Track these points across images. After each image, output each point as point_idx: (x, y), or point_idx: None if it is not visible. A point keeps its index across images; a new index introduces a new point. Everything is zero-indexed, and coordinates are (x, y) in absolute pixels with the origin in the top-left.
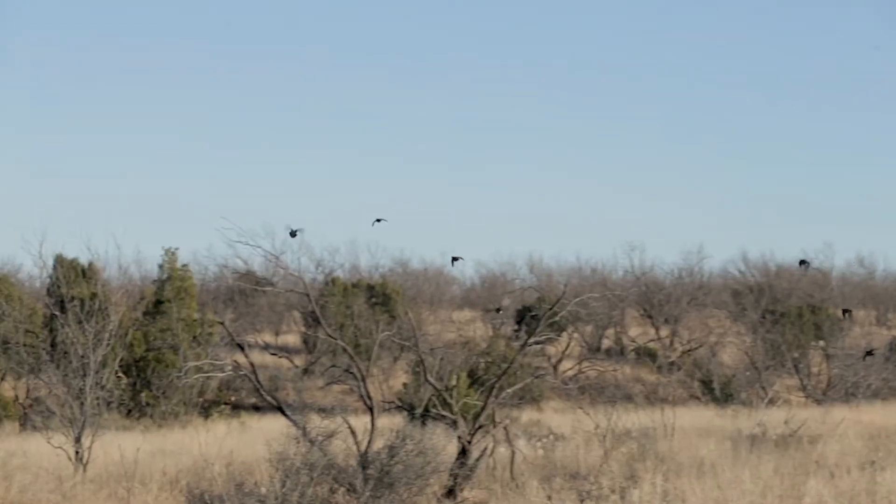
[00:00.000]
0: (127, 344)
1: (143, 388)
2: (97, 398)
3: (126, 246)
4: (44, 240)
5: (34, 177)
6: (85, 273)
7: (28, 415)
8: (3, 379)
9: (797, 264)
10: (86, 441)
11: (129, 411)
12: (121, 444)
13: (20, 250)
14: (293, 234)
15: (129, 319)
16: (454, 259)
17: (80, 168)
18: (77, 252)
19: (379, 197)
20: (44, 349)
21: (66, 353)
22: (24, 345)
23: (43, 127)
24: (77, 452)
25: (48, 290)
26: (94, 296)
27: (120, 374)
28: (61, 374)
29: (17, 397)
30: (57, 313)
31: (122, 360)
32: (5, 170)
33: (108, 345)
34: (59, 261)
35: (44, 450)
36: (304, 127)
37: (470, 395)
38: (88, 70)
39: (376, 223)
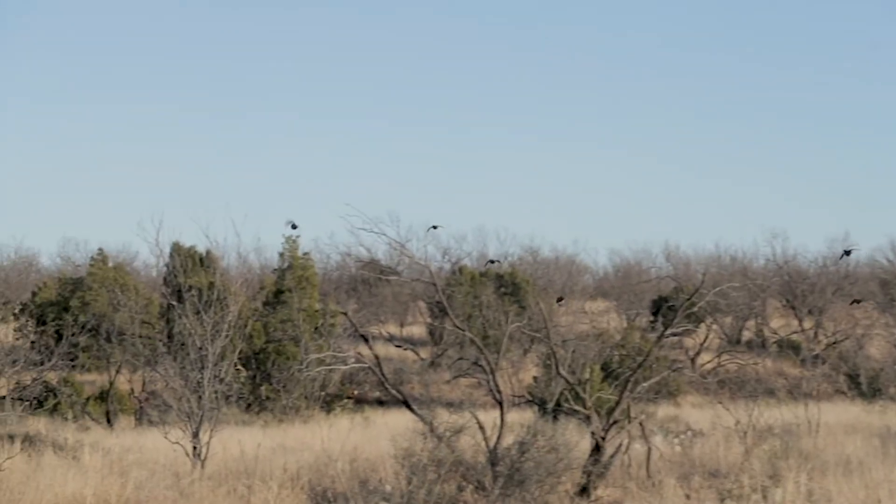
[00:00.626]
0: (246, 335)
1: (262, 381)
2: (215, 392)
3: (245, 233)
4: (161, 227)
5: (152, 162)
6: (203, 261)
7: (144, 409)
8: (118, 372)
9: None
10: (204, 436)
11: (249, 405)
12: (240, 440)
13: (136, 237)
14: (294, 226)
15: (249, 310)
16: (433, 227)
17: (197, 153)
18: (195, 240)
19: (507, 181)
20: (160, 341)
21: (183, 344)
22: (140, 336)
23: (161, 114)
24: (195, 448)
25: (165, 279)
26: (212, 285)
27: (239, 367)
28: (178, 367)
29: (132, 391)
30: (174, 303)
31: (241, 352)
32: (123, 155)
33: (226, 336)
34: (177, 249)
35: (160, 445)
36: (427, 114)
37: (604, 389)
38: (210, 58)
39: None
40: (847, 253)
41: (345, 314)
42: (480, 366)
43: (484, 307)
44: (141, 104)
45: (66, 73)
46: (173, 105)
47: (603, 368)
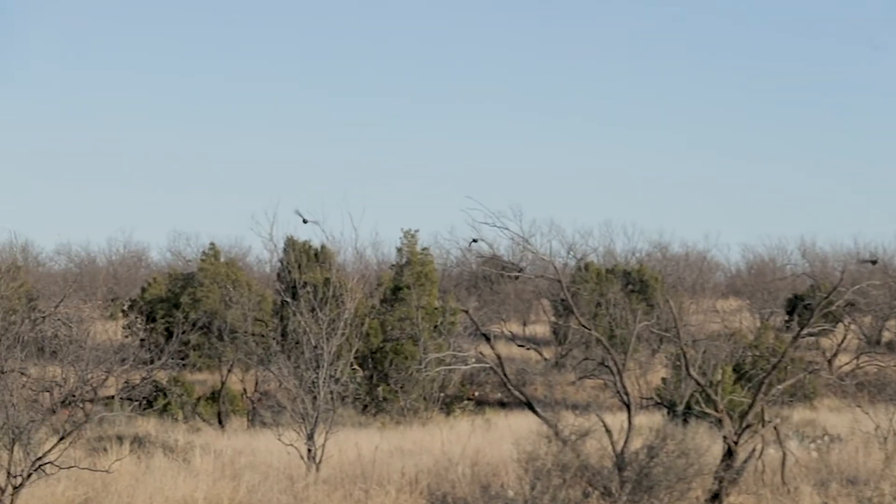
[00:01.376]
0: (363, 334)
1: (380, 381)
2: (331, 392)
3: (362, 228)
4: (275, 220)
5: (266, 154)
6: (318, 257)
7: (257, 409)
8: (230, 371)
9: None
10: (319, 438)
11: (365, 406)
12: (357, 442)
13: (249, 232)
14: (305, 220)
15: (366, 307)
16: (474, 241)
17: (314, 145)
18: (309, 234)
19: (635, 173)
20: (274, 339)
21: (297, 343)
22: (253, 334)
23: (275, 106)
24: (309, 450)
25: (279, 275)
26: (327, 281)
27: (355, 367)
28: (292, 366)
29: (245, 391)
30: (288, 300)
31: (357, 351)
32: (238, 147)
33: (342, 334)
34: (291, 244)
35: (273, 447)
36: (554, 105)
37: (736, 391)
38: (325, 46)
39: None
40: (873, 262)
41: (465, 312)
42: (607, 366)
43: (610, 305)
44: (255, 96)
45: (177, 69)
46: (287, 97)
47: (735, 370)
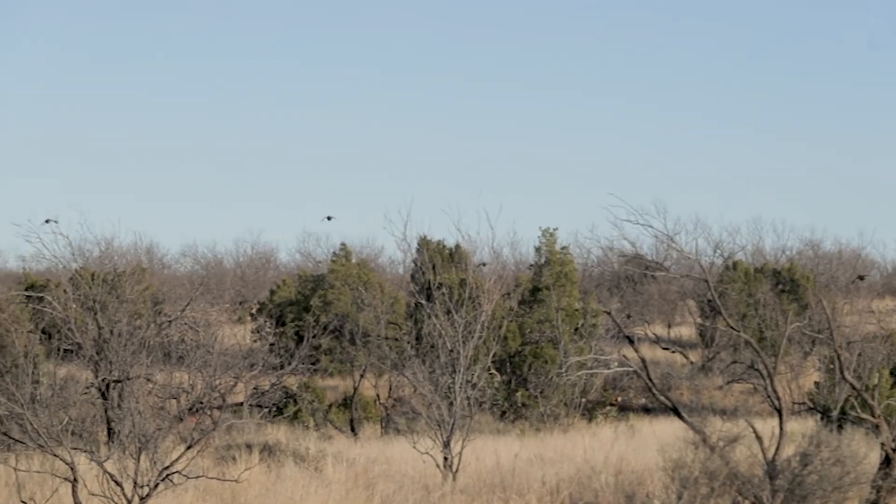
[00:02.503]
0: (500, 337)
1: (518, 386)
2: (468, 398)
3: (499, 226)
4: (408, 219)
5: (398, 152)
6: (453, 257)
7: (390, 416)
8: (362, 376)
9: None
10: (455, 446)
11: (504, 413)
12: (496, 450)
13: (382, 231)
14: (329, 218)
15: (503, 309)
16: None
17: (447, 141)
18: (444, 233)
19: (784, 171)
20: (408, 342)
21: (432, 346)
22: (387, 338)
23: (410, 100)
24: (446, 459)
25: (412, 276)
26: (463, 282)
27: (493, 371)
28: (427, 371)
29: (378, 397)
30: (422, 302)
31: (495, 354)
32: (369, 145)
33: (479, 338)
34: (424, 243)
35: (408, 455)
36: (696, 101)
37: (894, 395)
38: (462, 44)
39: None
40: (861, 278)
41: (608, 313)
42: (756, 370)
43: (760, 305)
44: (389, 91)
45: (300, 59)
46: (423, 92)
47: (892, 373)
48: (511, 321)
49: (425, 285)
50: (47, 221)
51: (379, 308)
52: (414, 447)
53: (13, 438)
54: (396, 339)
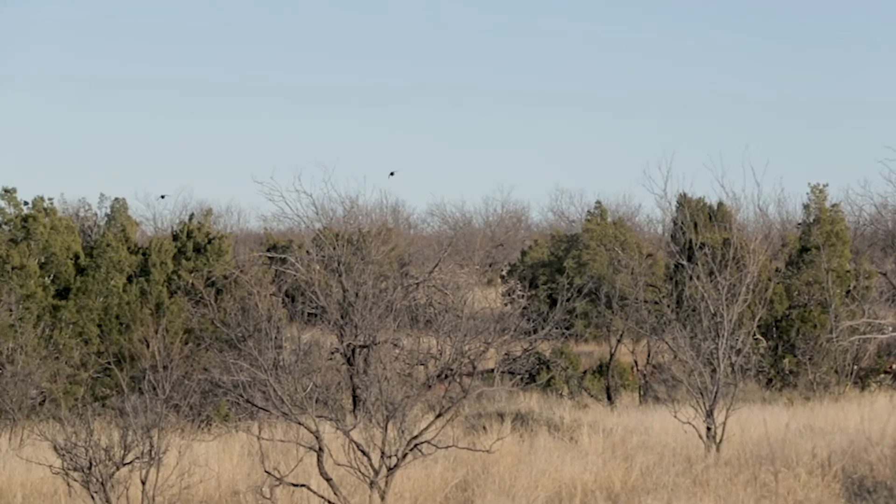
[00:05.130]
0: (766, 300)
1: (785, 352)
2: (731, 364)
3: (766, 182)
4: (669, 175)
5: (659, 102)
6: (714, 215)
7: (649, 383)
8: (619, 342)
9: None
10: (719, 415)
11: (770, 380)
12: (764, 419)
13: (640, 188)
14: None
15: (769, 271)
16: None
17: (708, 91)
18: (705, 190)
19: None
20: (668, 306)
21: (694, 310)
22: (645, 301)
23: (666, 52)
24: (708, 429)
25: (672, 235)
26: (726, 242)
27: (758, 336)
28: (688, 336)
29: (635, 363)
30: (683, 263)
31: (760, 319)
32: (631, 96)
33: (744, 301)
34: (684, 201)
35: (668, 425)
36: None
37: None
38: None
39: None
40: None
41: (883, 275)
42: None
43: None
44: (643, 44)
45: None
46: (684, 45)
47: None
48: (777, 283)
49: (686, 245)
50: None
51: (636, 269)
52: (674, 416)
53: (256, 406)
54: (655, 303)
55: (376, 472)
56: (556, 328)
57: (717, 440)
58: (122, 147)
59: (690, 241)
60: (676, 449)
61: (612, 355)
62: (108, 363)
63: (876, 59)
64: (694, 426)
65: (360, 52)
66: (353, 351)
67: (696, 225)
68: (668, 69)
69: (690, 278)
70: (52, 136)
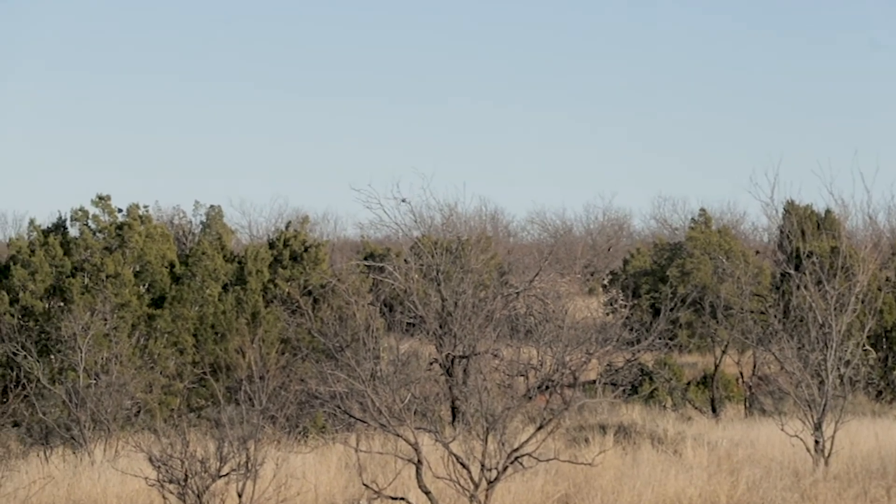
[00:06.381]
0: (876, 310)
1: (895, 364)
2: (840, 376)
3: (875, 189)
4: (776, 182)
5: (766, 109)
6: (822, 223)
7: (755, 395)
8: (724, 352)
9: None
10: (827, 429)
11: (880, 392)
12: (877, 433)
13: (745, 195)
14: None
15: (879, 280)
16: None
17: (812, 95)
18: (814, 197)
19: None
20: (774, 316)
21: (801, 320)
22: (751, 311)
23: (771, 59)
24: (817, 442)
25: (779, 244)
26: (835, 251)
27: (867, 347)
28: (795, 347)
29: (741, 375)
30: (790, 272)
31: (869, 329)
32: (737, 100)
33: (853, 311)
34: (791, 208)
35: (775, 438)
36: None
37: None
38: None
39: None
40: None
41: None
42: None
43: None
44: (748, 51)
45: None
46: (783, 54)
47: None
48: (888, 293)
49: (793, 254)
50: (403, 201)
51: (742, 278)
52: (781, 429)
53: (354, 417)
54: (762, 312)
55: (476, 486)
56: (660, 338)
57: (826, 454)
58: (216, 154)
59: (798, 250)
60: (783, 463)
61: (716, 366)
62: (204, 373)
63: None
64: (801, 439)
65: (460, 53)
66: (452, 361)
67: (803, 233)
68: (776, 72)
69: (798, 288)
70: (145, 141)
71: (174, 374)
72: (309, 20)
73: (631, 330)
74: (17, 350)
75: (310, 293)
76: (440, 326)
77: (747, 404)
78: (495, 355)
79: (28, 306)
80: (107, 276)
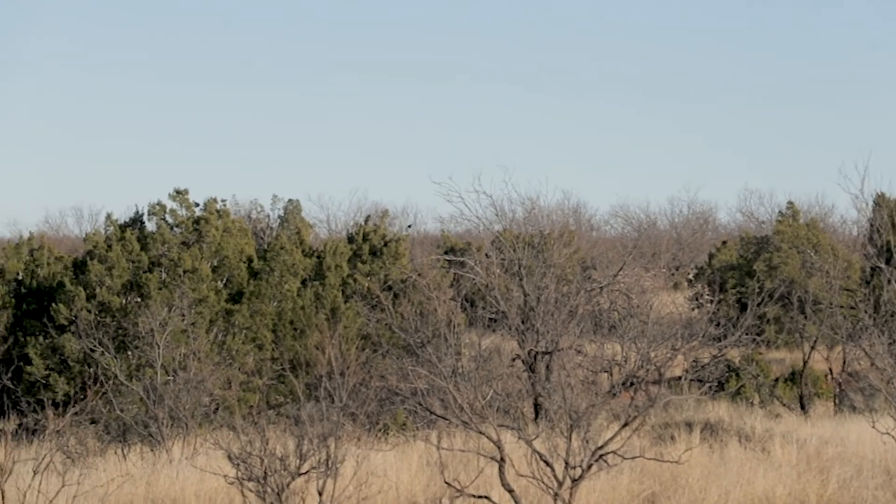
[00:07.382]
0: None
1: None
2: None
3: None
4: (866, 175)
5: (854, 100)
6: None
7: (844, 392)
8: (813, 348)
9: None
10: None
11: None
12: None
13: (834, 187)
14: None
15: None
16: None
17: None
18: None
19: None
20: (864, 311)
21: (892, 315)
22: (840, 306)
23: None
24: None
25: (869, 237)
26: None
27: None
28: (887, 342)
29: (830, 371)
30: (880, 266)
31: None
32: (825, 93)
33: None
34: (882, 201)
35: (865, 436)
36: None
37: None
38: None
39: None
40: None
41: None
42: None
43: None
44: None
45: None
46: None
47: None
48: None
49: (884, 247)
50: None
51: (831, 273)
52: (872, 427)
53: (435, 414)
54: (851, 307)
55: (560, 484)
56: (747, 334)
57: None
58: (295, 148)
59: (888, 243)
60: (875, 461)
61: (805, 362)
62: (283, 370)
63: None
64: (893, 437)
65: (547, 45)
66: (535, 357)
67: (894, 226)
68: (866, 64)
69: (889, 282)
70: (224, 135)
71: (253, 371)
72: (392, 7)
73: (717, 325)
74: (95, 346)
75: (390, 288)
76: (522, 322)
77: (836, 401)
78: (578, 351)
79: (105, 302)
80: (184, 272)
